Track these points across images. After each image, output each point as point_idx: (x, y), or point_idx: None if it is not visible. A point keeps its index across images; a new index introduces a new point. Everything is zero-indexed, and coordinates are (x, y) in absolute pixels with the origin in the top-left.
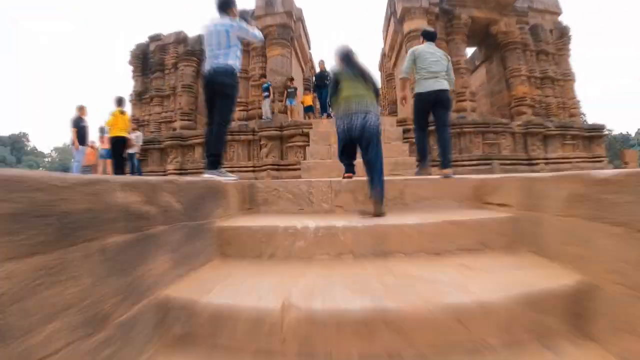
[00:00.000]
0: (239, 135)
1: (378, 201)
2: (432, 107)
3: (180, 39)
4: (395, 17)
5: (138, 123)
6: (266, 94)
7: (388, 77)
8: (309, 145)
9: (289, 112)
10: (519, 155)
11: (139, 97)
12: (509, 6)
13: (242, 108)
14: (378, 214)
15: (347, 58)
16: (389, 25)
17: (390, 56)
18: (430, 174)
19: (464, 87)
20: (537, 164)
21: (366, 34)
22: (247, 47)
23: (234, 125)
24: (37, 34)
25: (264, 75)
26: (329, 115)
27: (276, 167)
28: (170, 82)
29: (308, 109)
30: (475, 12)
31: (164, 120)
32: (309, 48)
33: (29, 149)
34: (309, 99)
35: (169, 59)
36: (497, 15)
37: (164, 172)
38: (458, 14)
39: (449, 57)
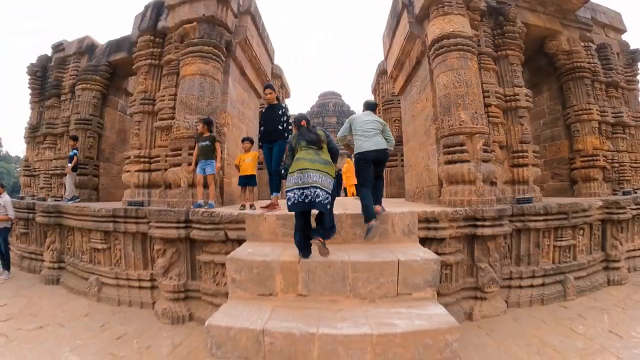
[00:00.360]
0: (124, 221)
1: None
2: (372, 164)
3: (84, 48)
4: (410, 13)
5: (31, 172)
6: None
7: (386, 104)
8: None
9: (200, 189)
10: (595, 258)
11: (33, 133)
12: (573, 13)
13: (139, 168)
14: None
15: (299, 124)
16: (396, 27)
17: (396, 76)
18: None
19: (522, 141)
20: (617, 267)
21: (355, 42)
22: (155, 60)
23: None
24: None
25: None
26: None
27: (183, 294)
28: (66, 114)
29: (246, 181)
30: (529, 17)
31: (55, 172)
32: (271, 61)
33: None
34: (250, 165)
35: (67, 78)
36: (558, 26)
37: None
38: (512, 16)
39: (384, 123)
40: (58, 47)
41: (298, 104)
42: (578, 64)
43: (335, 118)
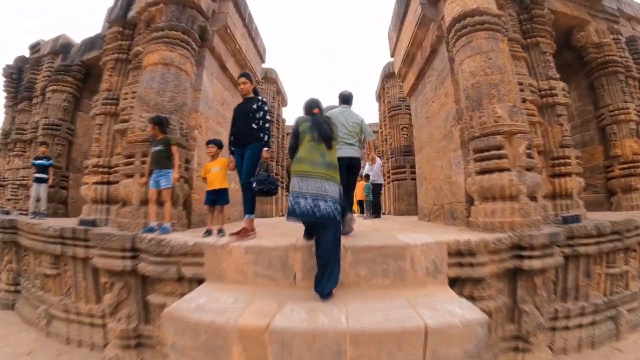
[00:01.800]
0: (73, 244)
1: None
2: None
3: (58, 47)
4: None
5: (0, 182)
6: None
7: (392, 110)
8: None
9: (153, 208)
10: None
11: (5, 139)
12: (599, 2)
13: (97, 179)
14: None
15: (311, 111)
16: (404, 15)
17: (405, 73)
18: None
19: (563, 145)
20: None
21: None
22: (123, 54)
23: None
24: None
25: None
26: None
27: (134, 340)
28: (36, 118)
29: (213, 198)
30: (556, 4)
31: (22, 182)
32: (261, 59)
33: None
34: (217, 176)
35: (40, 79)
36: (586, 15)
37: None
38: (540, 0)
39: (362, 118)
40: (35, 48)
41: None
42: (610, 57)
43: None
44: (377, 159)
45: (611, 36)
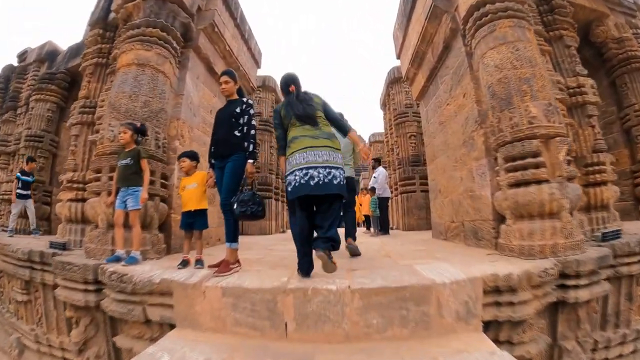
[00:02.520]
0: (42, 268)
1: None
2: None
3: (44, 55)
4: None
5: None
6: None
7: (399, 117)
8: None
9: (120, 232)
10: None
11: None
12: None
13: (72, 196)
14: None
15: (287, 89)
16: (411, 11)
17: (414, 75)
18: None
19: (596, 150)
20: None
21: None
22: (103, 58)
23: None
24: None
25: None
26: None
27: None
28: (20, 129)
29: (189, 222)
30: None
31: (3, 198)
32: (257, 64)
33: None
34: (193, 194)
35: (25, 88)
36: (605, 8)
37: None
38: None
39: (323, 101)
40: (22, 56)
41: None
42: (632, 52)
43: None
44: (382, 169)
45: (631, 31)
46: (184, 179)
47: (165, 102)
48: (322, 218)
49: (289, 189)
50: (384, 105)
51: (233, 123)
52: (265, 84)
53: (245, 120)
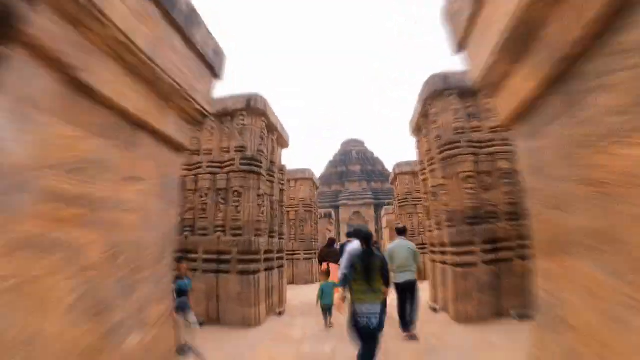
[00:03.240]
0: None
1: None
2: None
3: None
4: None
5: None
6: None
7: (447, 148)
8: None
9: None
10: None
11: None
12: None
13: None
14: None
15: (362, 242)
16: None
17: (503, 76)
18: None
19: None
20: None
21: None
22: None
23: None
24: None
25: None
26: None
27: None
28: None
29: None
30: None
31: None
32: (213, 71)
33: None
34: None
35: None
36: None
37: None
38: None
39: (414, 247)
40: None
41: (313, 155)
42: None
43: (359, 166)
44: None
45: None
46: None
47: None
48: (365, 350)
49: (358, 327)
50: (417, 129)
51: None
52: (251, 106)
53: None
